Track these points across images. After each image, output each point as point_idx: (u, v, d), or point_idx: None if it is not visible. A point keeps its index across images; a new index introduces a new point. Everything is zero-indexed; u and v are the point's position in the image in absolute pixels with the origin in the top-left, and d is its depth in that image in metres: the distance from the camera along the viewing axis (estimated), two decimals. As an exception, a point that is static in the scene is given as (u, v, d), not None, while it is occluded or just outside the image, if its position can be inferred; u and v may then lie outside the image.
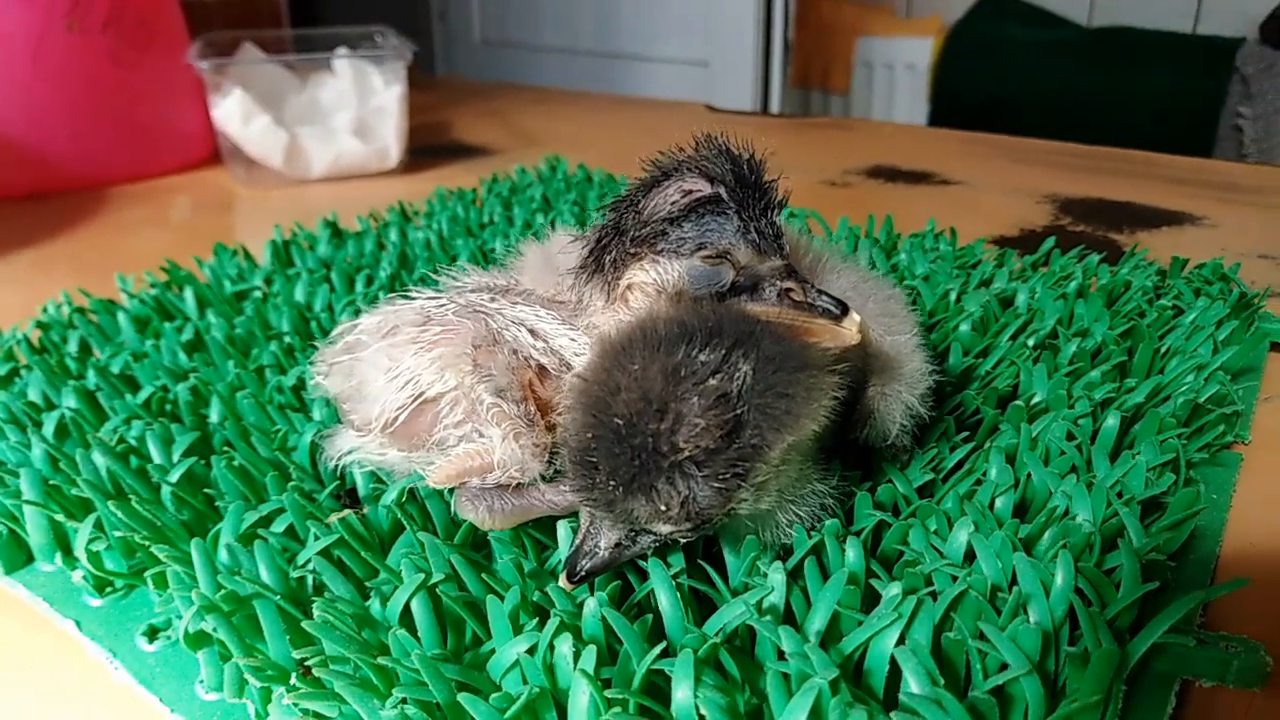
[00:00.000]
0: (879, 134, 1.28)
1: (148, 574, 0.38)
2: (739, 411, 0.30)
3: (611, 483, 0.31)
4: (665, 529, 0.32)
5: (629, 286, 0.37)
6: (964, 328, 0.56)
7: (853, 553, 0.35)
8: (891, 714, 0.27)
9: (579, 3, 2.71)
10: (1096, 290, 0.62)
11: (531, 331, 0.39)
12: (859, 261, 0.45)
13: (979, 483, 0.41)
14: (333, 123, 1.10)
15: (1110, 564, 0.35)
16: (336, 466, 0.43)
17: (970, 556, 0.35)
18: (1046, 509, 0.38)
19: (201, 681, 0.35)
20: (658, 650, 0.30)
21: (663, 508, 0.30)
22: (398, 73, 1.09)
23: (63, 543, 0.41)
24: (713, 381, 0.30)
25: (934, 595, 0.32)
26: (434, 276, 0.45)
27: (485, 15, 3.01)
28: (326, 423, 0.47)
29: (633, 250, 0.36)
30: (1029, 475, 0.41)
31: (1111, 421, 0.44)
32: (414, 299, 0.43)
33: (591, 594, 0.34)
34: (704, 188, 0.35)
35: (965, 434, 0.45)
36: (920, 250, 0.70)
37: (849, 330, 0.34)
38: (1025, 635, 0.30)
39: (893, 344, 0.40)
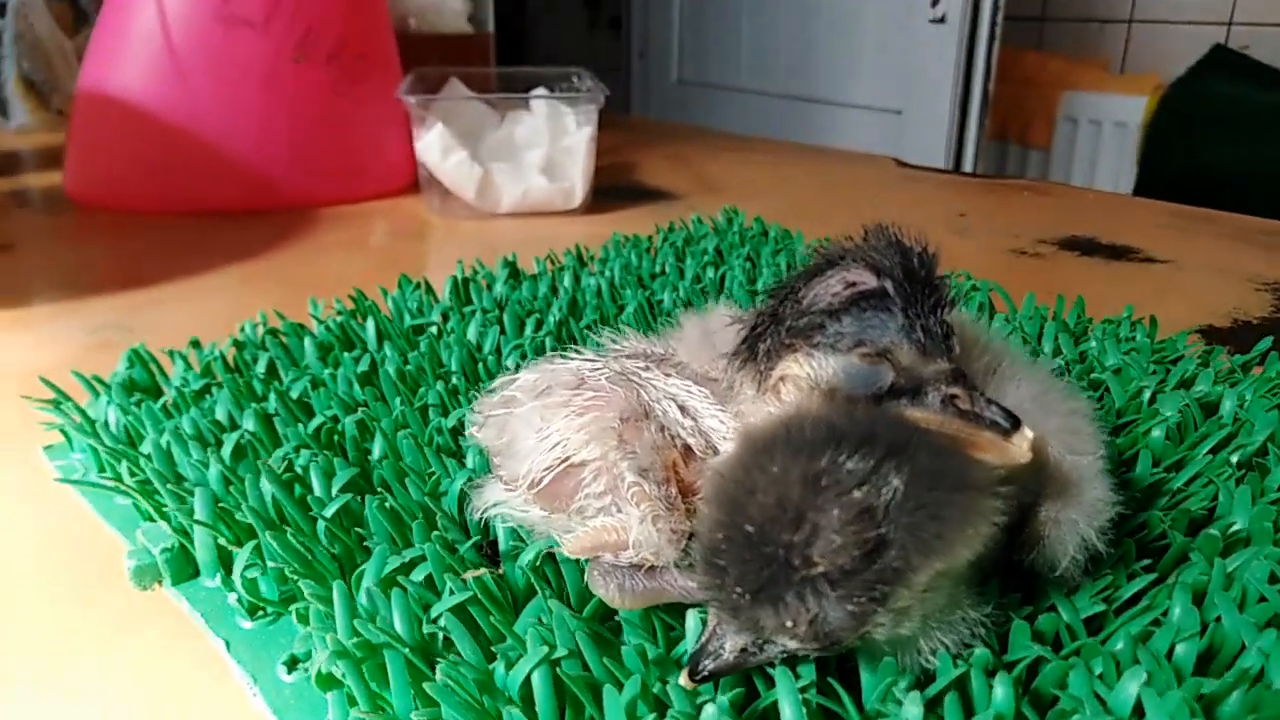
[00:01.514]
0: (1079, 200, 1.21)
1: (293, 606, 0.40)
2: (883, 530, 0.28)
3: (738, 589, 0.29)
4: (791, 644, 0.30)
5: (781, 378, 0.35)
6: (1156, 434, 0.51)
7: (1002, 691, 0.32)
8: None
9: (775, 47, 2.72)
10: (1320, 405, 0.55)
11: (681, 408, 0.39)
12: (1044, 367, 0.42)
13: (1157, 623, 0.37)
14: (524, 159, 1.14)
15: (1309, 745, 0.31)
16: (481, 519, 0.43)
17: (1140, 712, 0.32)
18: (1237, 667, 0.34)
19: (330, 721, 0.36)
20: (773, 774, 0.28)
21: (789, 623, 0.29)
22: (590, 115, 1.12)
23: (225, 562, 0.44)
24: (857, 494, 0.28)
25: (1090, 757, 0.29)
26: (594, 337, 0.45)
27: (684, 56, 3.07)
28: (478, 471, 0.47)
29: (788, 341, 0.35)
30: (1218, 619, 0.37)
31: (1325, 566, 0.39)
32: (571, 360, 0.43)
33: (716, 694, 0.33)
34: (869, 280, 0.34)
35: (1147, 561, 0.41)
36: (1114, 339, 0.65)
37: (1019, 447, 0.32)
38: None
39: (1073, 465, 0.36)
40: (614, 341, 0.44)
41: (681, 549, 0.36)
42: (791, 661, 0.34)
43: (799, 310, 0.35)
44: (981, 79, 2.26)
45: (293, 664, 0.39)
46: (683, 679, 0.33)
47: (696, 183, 1.29)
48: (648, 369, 0.41)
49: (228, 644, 0.41)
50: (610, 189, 1.24)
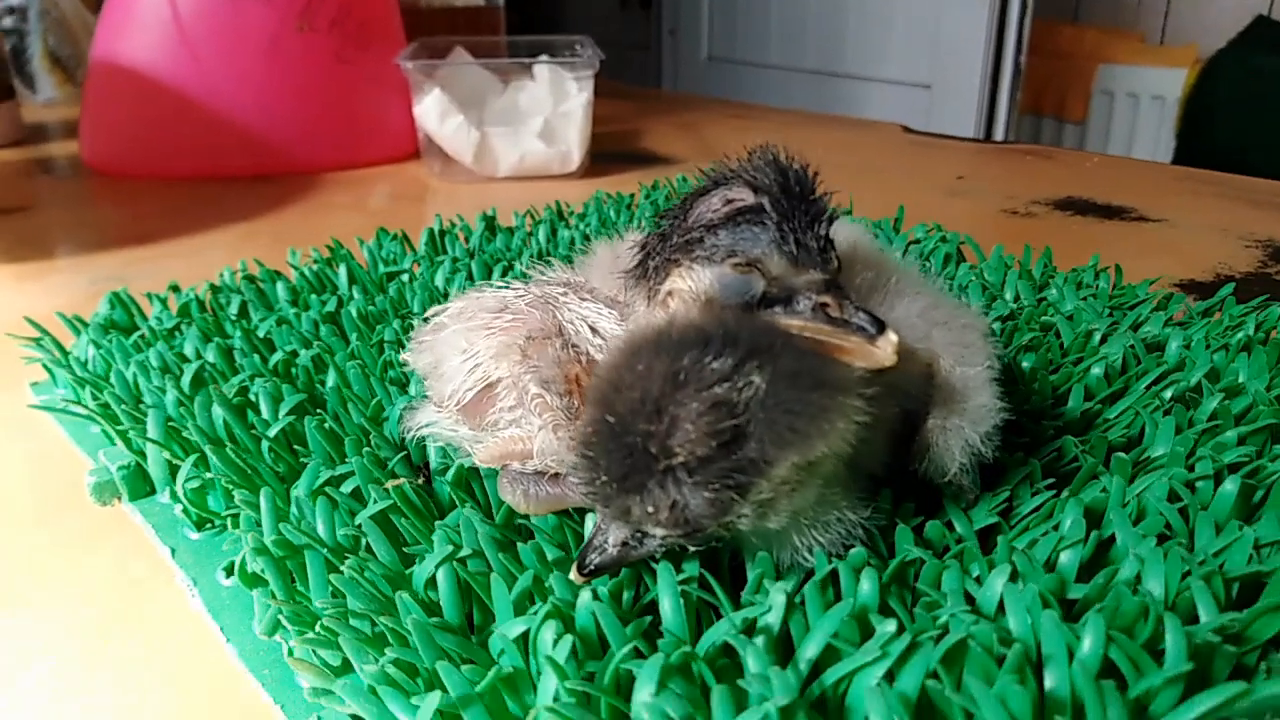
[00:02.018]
0: (1082, 164, 1.20)
1: (227, 515, 0.42)
2: (739, 422, 0.30)
3: (605, 478, 0.31)
4: (659, 532, 0.32)
5: (669, 293, 0.37)
6: (1095, 371, 0.52)
7: (867, 584, 0.33)
8: (838, 751, 0.26)
9: (806, 23, 2.71)
10: (1269, 345, 0.55)
11: (592, 328, 0.40)
12: (937, 284, 0.43)
13: (1047, 534, 0.38)
14: (526, 125, 1.15)
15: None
16: (413, 438, 0.45)
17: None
18: (1110, 570, 0.35)
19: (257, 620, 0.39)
20: (628, 648, 0.30)
21: (651, 510, 0.30)
22: (587, 80, 1.13)
23: (176, 479, 0.46)
24: (718, 390, 0.30)
25: (936, 641, 0.30)
26: (525, 271, 0.47)
27: (714, 33, 3.06)
28: (421, 397, 0.49)
29: (672, 257, 0.36)
30: (1114, 536, 0.38)
31: (1230, 487, 0.40)
32: (499, 289, 0.45)
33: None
34: (747, 197, 0.35)
35: (1051, 480, 0.41)
36: (1074, 286, 0.65)
37: (882, 350, 0.33)
38: (1014, 696, 0.27)
39: (961, 375, 0.38)
40: (541, 273, 0.46)
41: None
42: (677, 559, 0.35)
43: (684, 228, 0.36)
44: (1013, 52, 2.23)
45: (232, 570, 0.42)
46: (573, 574, 0.35)
47: (699, 149, 1.30)
48: (565, 294, 0.42)
49: (173, 551, 0.43)
50: (611, 154, 1.25)
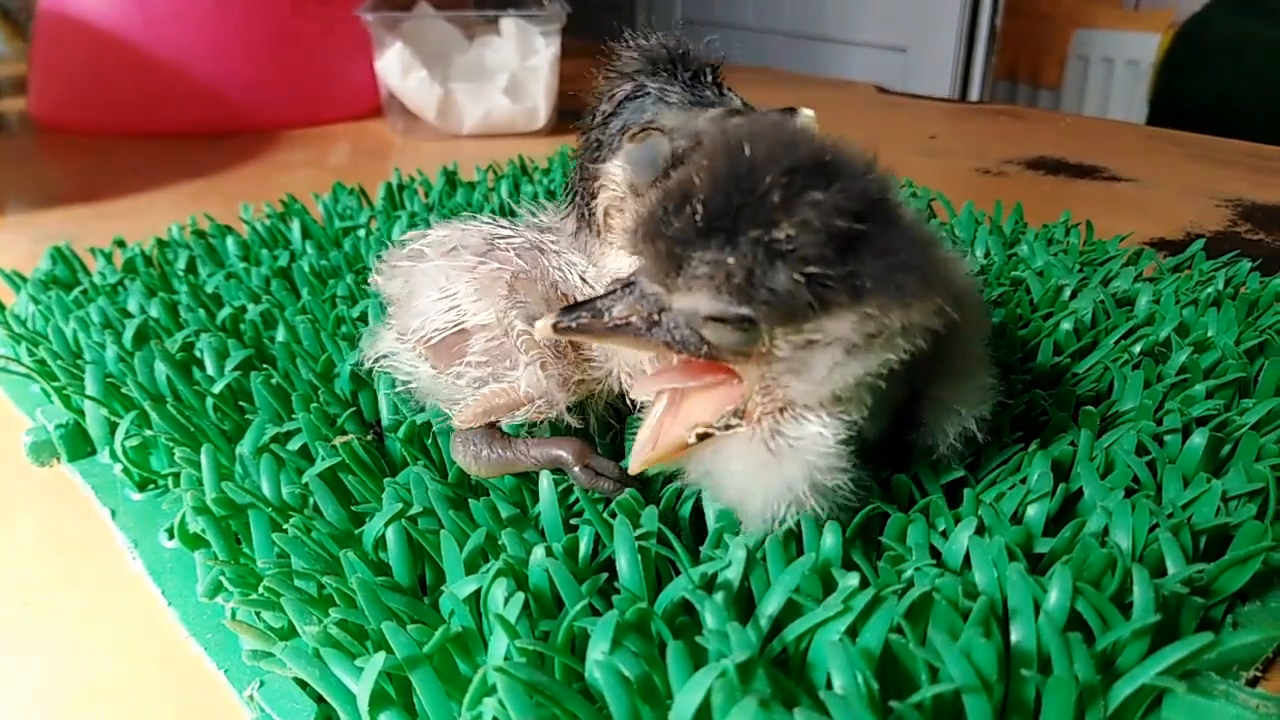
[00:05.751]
0: (1054, 124, 1.19)
1: (169, 474, 0.41)
2: (853, 233, 0.27)
3: (697, 214, 0.28)
4: (703, 306, 0.28)
5: (605, 212, 0.36)
6: (1065, 325, 0.51)
7: (830, 538, 0.32)
8: (795, 710, 0.24)
9: (781, -17, 2.68)
10: (1237, 300, 0.54)
11: (581, 277, 0.39)
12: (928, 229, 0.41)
13: (1014, 488, 0.37)
14: (492, 81, 1.12)
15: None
16: (370, 369, 0.43)
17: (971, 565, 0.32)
18: (1077, 523, 0.34)
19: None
20: (582, 605, 0.29)
21: (731, 260, 0.27)
22: (554, 35, 1.11)
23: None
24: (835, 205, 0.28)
25: (900, 595, 0.29)
26: (517, 209, 0.45)
27: (688, -7, 3.02)
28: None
29: (589, 175, 0.36)
30: (1082, 490, 0.37)
31: (1198, 440, 0.39)
32: (484, 224, 0.43)
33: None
34: (625, 86, 0.35)
35: (1019, 434, 0.41)
36: (1044, 243, 0.64)
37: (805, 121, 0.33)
38: (980, 649, 0.26)
39: (962, 350, 0.36)
40: (532, 214, 0.44)
41: (571, 394, 0.36)
42: (633, 515, 0.34)
43: (585, 145, 0.36)
44: (989, 15, 2.21)
45: (173, 532, 0.40)
46: (540, 325, 0.31)
47: (669, 108, 1.27)
48: (556, 241, 0.40)
49: (113, 513, 0.41)
50: (580, 112, 1.22)
